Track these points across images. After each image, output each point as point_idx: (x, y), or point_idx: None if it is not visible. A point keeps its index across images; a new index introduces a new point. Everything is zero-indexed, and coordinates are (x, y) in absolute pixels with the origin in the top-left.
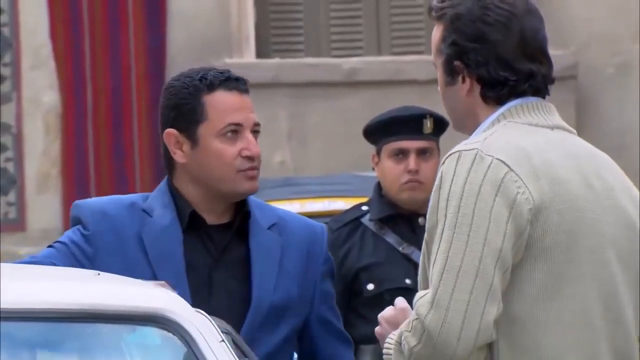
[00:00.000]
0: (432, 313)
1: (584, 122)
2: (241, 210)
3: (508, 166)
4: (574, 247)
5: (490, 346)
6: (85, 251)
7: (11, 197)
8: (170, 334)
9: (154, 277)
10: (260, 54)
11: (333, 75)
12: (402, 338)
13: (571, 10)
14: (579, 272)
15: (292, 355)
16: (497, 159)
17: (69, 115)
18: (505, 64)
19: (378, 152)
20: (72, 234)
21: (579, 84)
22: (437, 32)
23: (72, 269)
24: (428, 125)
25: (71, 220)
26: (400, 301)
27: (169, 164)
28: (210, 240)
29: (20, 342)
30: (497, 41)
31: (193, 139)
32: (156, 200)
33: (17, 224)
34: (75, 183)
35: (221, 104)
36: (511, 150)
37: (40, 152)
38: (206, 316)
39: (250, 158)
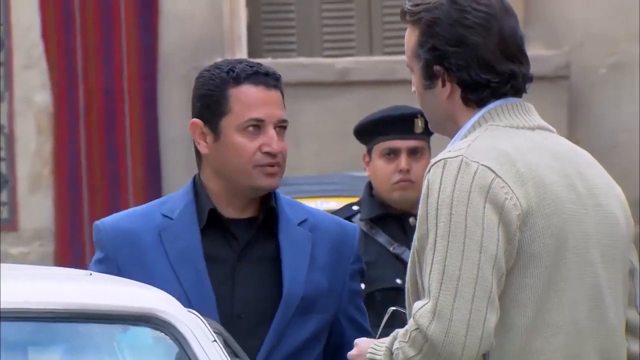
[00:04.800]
0: (435, 324)
1: (576, 122)
2: (266, 205)
3: (494, 172)
4: (561, 250)
5: None
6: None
7: (3, 197)
8: (163, 334)
9: (175, 278)
10: (252, 53)
11: (325, 75)
12: (396, 348)
13: (564, 11)
14: (566, 275)
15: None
16: (483, 165)
17: (61, 115)
18: (486, 66)
19: (369, 152)
20: (92, 269)
21: (571, 84)
22: (412, 36)
23: (64, 269)
24: (419, 124)
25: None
26: (360, 341)
27: (197, 156)
28: (233, 236)
29: (13, 341)
30: (477, 44)
31: (216, 131)
32: (178, 200)
33: (9, 224)
34: (68, 183)
35: (245, 98)
36: (495, 155)
37: (32, 152)
38: (198, 316)
39: (270, 154)
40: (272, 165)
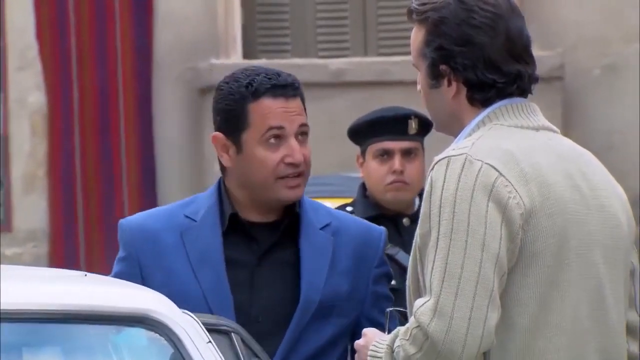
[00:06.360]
0: (436, 321)
1: (570, 123)
2: (291, 210)
3: (498, 171)
4: (564, 251)
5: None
6: (133, 275)
7: None
8: (157, 335)
9: (195, 278)
10: (247, 54)
11: (320, 76)
12: (397, 345)
13: (559, 12)
14: (568, 275)
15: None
16: (487, 163)
17: (56, 116)
18: (493, 66)
19: (363, 153)
20: (115, 267)
21: (565, 85)
22: (418, 35)
23: (58, 270)
24: (413, 125)
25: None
26: (368, 331)
27: (221, 164)
28: (254, 240)
29: (8, 343)
30: (484, 43)
31: (238, 145)
32: (203, 202)
33: (4, 225)
34: (62, 184)
35: (265, 111)
36: (499, 154)
37: (26, 153)
38: (193, 317)
39: (293, 165)
40: (295, 176)
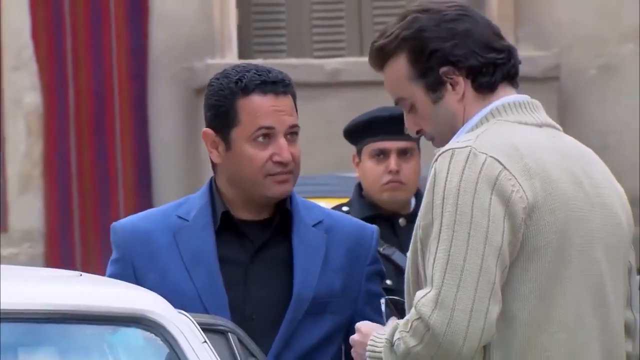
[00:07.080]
0: (437, 313)
1: (566, 124)
2: (282, 207)
3: (502, 164)
4: (565, 247)
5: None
6: (127, 276)
7: None
8: (153, 335)
9: (189, 278)
10: (242, 54)
11: (315, 76)
12: (396, 338)
13: (554, 12)
14: (570, 271)
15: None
16: (491, 156)
17: (51, 116)
18: (486, 46)
19: (359, 153)
20: (109, 269)
21: (561, 85)
22: (398, 66)
23: (54, 270)
24: None
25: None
26: (362, 325)
27: (212, 161)
28: (247, 237)
29: (3, 343)
30: (468, 29)
31: (227, 142)
32: (195, 202)
33: None
34: (57, 184)
35: (254, 109)
36: (504, 148)
37: (22, 153)
38: (189, 317)
39: (281, 163)
40: (282, 174)
